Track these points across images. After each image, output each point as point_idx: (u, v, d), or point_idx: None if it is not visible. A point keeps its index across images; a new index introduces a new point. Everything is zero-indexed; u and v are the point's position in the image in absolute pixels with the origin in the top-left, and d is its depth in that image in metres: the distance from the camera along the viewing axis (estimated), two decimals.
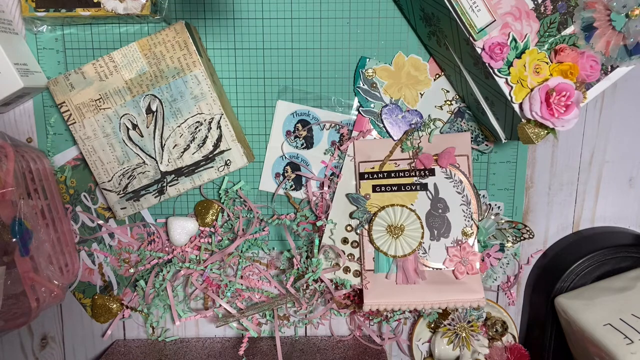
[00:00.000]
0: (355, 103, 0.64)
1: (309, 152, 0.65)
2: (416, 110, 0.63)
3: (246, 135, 0.65)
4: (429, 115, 0.63)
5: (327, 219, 0.63)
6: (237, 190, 0.65)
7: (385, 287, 0.61)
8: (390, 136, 0.63)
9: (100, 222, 0.66)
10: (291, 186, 0.66)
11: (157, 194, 0.62)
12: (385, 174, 0.62)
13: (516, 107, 0.50)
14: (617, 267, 0.62)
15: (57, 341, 0.70)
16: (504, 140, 0.58)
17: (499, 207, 0.66)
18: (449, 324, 0.66)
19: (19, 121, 0.64)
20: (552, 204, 0.67)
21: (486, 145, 0.64)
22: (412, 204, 0.62)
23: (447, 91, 0.63)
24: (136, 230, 0.67)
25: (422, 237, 0.61)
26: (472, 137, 0.63)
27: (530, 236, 0.65)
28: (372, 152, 0.63)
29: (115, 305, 0.68)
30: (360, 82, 0.63)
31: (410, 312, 0.67)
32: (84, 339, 0.70)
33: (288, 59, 0.63)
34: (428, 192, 0.62)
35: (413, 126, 0.63)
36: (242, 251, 0.66)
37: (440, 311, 0.65)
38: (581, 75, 0.49)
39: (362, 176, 0.63)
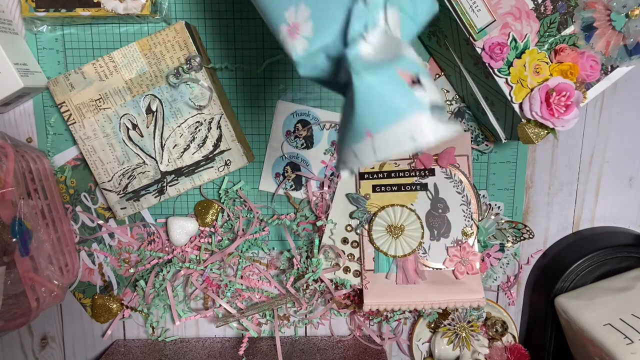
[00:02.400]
0: None
1: (309, 152, 0.65)
2: None
3: (246, 135, 0.65)
4: None
5: (327, 219, 0.63)
6: (237, 190, 0.65)
7: (385, 287, 0.61)
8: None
9: (100, 222, 0.66)
10: (291, 186, 0.66)
11: (157, 194, 0.62)
12: (385, 174, 0.62)
13: (516, 107, 0.50)
14: (617, 267, 0.62)
15: (57, 341, 0.70)
16: (504, 140, 0.58)
17: (499, 207, 0.66)
18: (449, 324, 0.66)
19: (19, 121, 0.64)
20: (552, 204, 0.67)
21: (486, 145, 0.64)
22: (412, 204, 0.62)
23: (447, 91, 0.63)
24: (136, 230, 0.67)
25: (422, 237, 0.61)
26: (472, 137, 0.63)
27: (530, 236, 0.65)
28: None
29: (115, 305, 0.68)
30: None
31: (410, 312, 0.67)
32: (84, 339, 0.70)
33: (288, 59, 0.63)
34: (428, 192, 0.62)
35: None
36: (242, 251, 0.66)
37: (440, 311, 0.65)
38: (581, 75, 0.49)
39: (362, 176, 0.63)
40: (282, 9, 0.33)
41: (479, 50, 0.49)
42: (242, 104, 0.64)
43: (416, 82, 0.26)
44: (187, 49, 0.59)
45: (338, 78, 0.31)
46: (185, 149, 0.61)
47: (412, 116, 0.25)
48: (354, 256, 0.63)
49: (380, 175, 0.62)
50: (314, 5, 0.31)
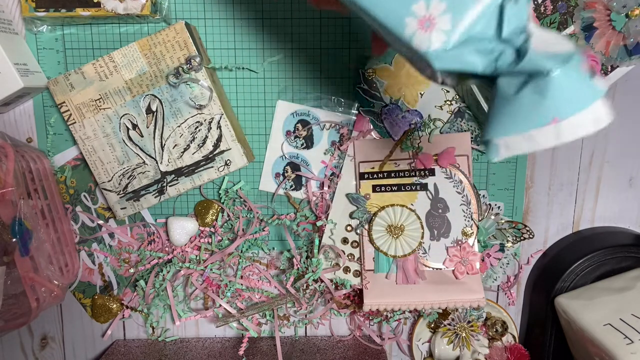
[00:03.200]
0: (355, 103, 0.64)
1: (309, 152, 0.65)
2: (416, 110, 0.63)
3: (246, 135, 0.65)
4: (429, 115, 0.63)
5: (327, 219, 0.63)
6: (237, 190, 0.65)
7: (385, 287, 0.61)
8: (390, 136, 0.63)
9: (100, 222, 0.66)
10: (291, 186, 0.66)
11: (157, 194, 0.62)
12: (385, 174, 0.62)
13: None
14: (617, 267, 0.62)
15: (57, 341, 0.70)
16: None
17: (499, 207, 0.66)
18: (449, 324, 0.66)
19: (19, 121, 0.64)
20: (552, 204, 0.67)
21: None
22: (412, 204, 0.62)
23: (447, 91, 0.63)
24: (136, 230, 0.67)
25: (422, 237, 0.61)
26: (472, 137, 0.63)
27: (530, 236, 0.65)
28: (372, 152, 0.63)
29: (115, 305, 0.68)
30: (360, 82, 0.63)
31: (410, 312, 0.67)
32: (84, 339, 0.70)
33: (288, 59, 0.63)
34: (428, 192, 0.62)
35: (413, 126, 0.63)
36: (242, 251, 0.66)
37: (440, 311, 0.65)
38: None
39: (362, 176, 0.63)
40: (408, 3, 0.32)
41: None
42: (242, 104, 0.64)
43: (592, 73, 0.30)
44: (187, 49, 0.59)
45: (495, 71, 0.33)
46: (185, 149, 0.61)
47: (596, 103, 0.30)
48: (354, 256, 0.63)
49: (380, 175, 0.62)
50: None
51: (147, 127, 0.61)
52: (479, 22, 0.32)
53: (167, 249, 0.67)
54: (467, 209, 0.61)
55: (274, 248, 0.68)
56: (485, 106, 0.57)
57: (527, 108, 0.31)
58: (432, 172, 0.62)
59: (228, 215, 0.66)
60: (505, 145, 0.32)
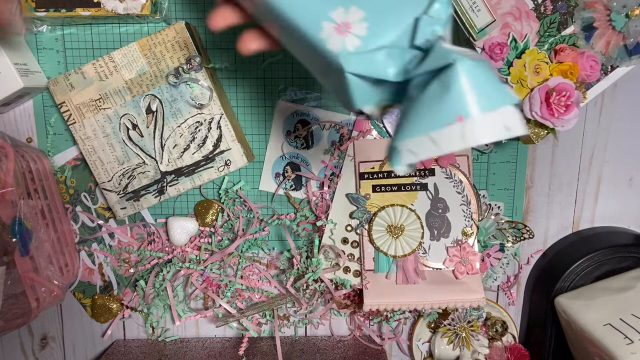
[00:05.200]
0: None
1: (309, 152, 0.65)
2: None
3: (246, 135, 0.65)
4: None
5: (327, 219, 0.63)
6: (237, 190, 0.65)
7: (385, 287, 0.61)
8: (390, 136, 0.63)
9: (100, 222, 0.66)
10: (291, 186, 0.66)
11: (157, 194, 0.62)
12: (385, 174, 0.62)
13: None
14: (617, 267, 0.62)
15: (57, 341, 0.70)
16: (504, 141, 0.58)
17: (499, 207, 0.66)
18: (449, 324, 0.66)
19: (19, 121, 0.64)
20: (552, 204, 0.67)
21: (486, 145, 0.64)
22: (412, 204, 0.62)
23: None
24: (136, 230, 0.67)
25: (422, 237, 0.61)
26: None
27: (530, 236, 0.65)
28: (372, 152, 0.63)
29: (115, 305, 0.68)
30: None
31: (410, 312, 0.67)
32: (84, 339, 0.70)
33: (288, 59, 0.63)
34: (428, 192, 0.62)
35: None
36: (242, 251, 0.66)
37: (440, 311, 0.66)
38: (581, 75, 0.49)
39: (362, 176, 0.63)
40: (326, 9, 0.33)
41: (479, 51, 0.49)
42: (242, 104, 0.64)
43: (503, 81, 0.28)
44: (187, 49, 0.59)
45: (407, 75, 0.32)
46: (185, 149, 0.61)
47: (507, 108, 0.27)
48: (354, 256, 0.63)
49: (380, 175, 0.62)
50: (368, 9, 0.32)
51: (147, 127, 0.61)
52: (394, 32, 0.32)
53: (167, 249, 0.67)
54: (467, 209, 0.61)
55: (274, 248, 0.68)
56: None
57: (431, 105, 0.28)
58: (432, 172, 0.62)
59: (228, 215, 0.66)
60: (408, 150, 0.29)
